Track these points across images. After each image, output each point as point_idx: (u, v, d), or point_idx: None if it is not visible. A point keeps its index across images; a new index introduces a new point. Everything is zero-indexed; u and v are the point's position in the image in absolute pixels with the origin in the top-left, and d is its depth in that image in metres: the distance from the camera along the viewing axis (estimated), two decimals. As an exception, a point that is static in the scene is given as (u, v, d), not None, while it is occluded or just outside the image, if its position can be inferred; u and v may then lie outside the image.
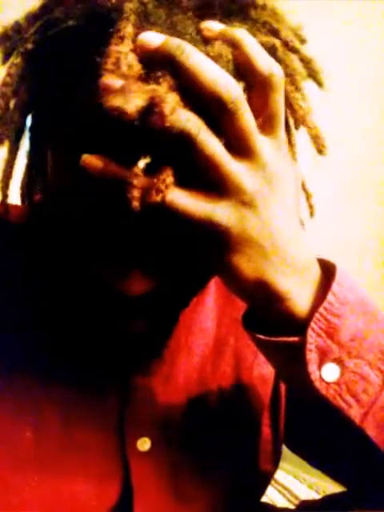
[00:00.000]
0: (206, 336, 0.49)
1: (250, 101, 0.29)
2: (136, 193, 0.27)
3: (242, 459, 0.48)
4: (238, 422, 0.48)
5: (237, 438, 0.48)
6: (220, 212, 0.29)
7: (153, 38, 0.27)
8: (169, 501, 0.44)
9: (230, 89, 0.27)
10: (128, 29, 0.27)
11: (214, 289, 0.51)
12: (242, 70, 0.29)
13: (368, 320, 0.35)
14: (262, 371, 0.50)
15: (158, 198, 0.27)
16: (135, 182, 0.27)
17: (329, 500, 0.47)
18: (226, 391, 0.48)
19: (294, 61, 0.34)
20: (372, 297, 0.37)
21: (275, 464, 0.52)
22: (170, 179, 0.28)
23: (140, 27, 0.27)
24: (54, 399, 0.41)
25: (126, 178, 0.27)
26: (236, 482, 0.47)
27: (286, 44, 0.33)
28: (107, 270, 0.34)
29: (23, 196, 0.40)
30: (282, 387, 0.51)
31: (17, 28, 0.32)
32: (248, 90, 0.30)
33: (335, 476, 0.48)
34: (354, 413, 0.34)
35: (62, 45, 0.30)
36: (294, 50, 0.33)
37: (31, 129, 0.36)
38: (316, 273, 0.34)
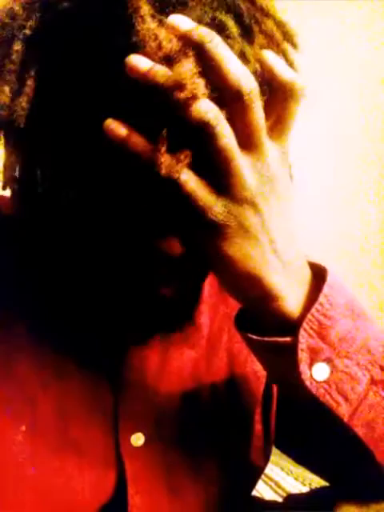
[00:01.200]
0: (200, 332, 0.49)
1: (265, 104, 0.30)
2: (164, 159, 0.28)
3: (234, 454, 0.49)
4: (231, 418, 0.49)
5: (229, 433, 0.49)
6: (220, 206, 0.30)
7: (183, 22, 0.28)
8: (163, 495, 0.44)
9: (249, 82, 0.28)
10: (145, 8, 0.28)
11: (207, 286, 0.51)
12: (267, 74, 0.31)
13: (356, 321, 0.36)
14: (255, 367, 0.51)
15: (175, 174, 0.28)
16: (160, 152, 0.28)
17: (315, 494, 0.49)
18: (219, 387, 0.49)
19: (271, 24, 0.35)
20: (372, 297, 0.38)
21: (266, 460, 0.53)
22: (187, 160, 0.29)
23: (153, 6, 0.28)
24: (49, 393, 0.41)
25: (150, 148, 0.28)
26: (228, 477, 0.48)
27: (261, 9, 0.34)
28: (146, 232, 0.34)
29: (19, 189, 0.38)
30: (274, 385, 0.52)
31: (12, 15, 0.32)
32: (267, 94, 0.31)
33: (320, 473, 0.49)
34: (343, 411, 0.35)
35: (63, 28, 0.31)
36: (269, 15, 0.34)
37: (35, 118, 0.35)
38: (307, 275, 0.36)
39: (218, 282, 0.52)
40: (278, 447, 0.55)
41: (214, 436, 0.48)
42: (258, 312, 0.35)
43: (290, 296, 0.34)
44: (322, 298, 0.35)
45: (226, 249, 0.32)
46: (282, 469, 1.35)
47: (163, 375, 0.46)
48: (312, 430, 0.44)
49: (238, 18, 0.32)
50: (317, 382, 0.34)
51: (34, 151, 0.35)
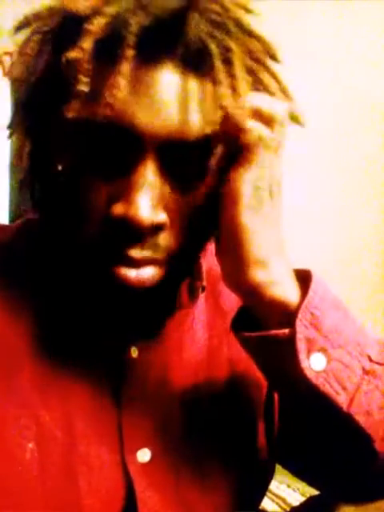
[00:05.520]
0: (199, 347, 0.50)
1: None
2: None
3: (241, 467, 0.49)
4: (235, 429, 0.50)
5: (234, 445, 0.49)
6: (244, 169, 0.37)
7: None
8: (173, 509, 0.45)
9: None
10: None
11: (203, 303, 0.52)
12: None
13: (342, 316, 0.40)
14: (256, 377, 0.51)
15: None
16: None
17: (312, 502, 0.49)
18: (221, 399, 0.49)
19: (253, 42, 0.39)
20: (372, 297, 0.41)
21: (271, 473, 0.54)
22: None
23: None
24: (53, 410, 0.41)
25: None
26: (236, 490, 0.48)
27: (241, 27, 0.38)
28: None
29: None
30: (275, 396, 0.52)
31: (37, 14, 0.39)
32: None
33: (318, 480, 0.49)
34: (342, 399, 0.37)
35: (70, 34, 0.36)
36: (251, 34, 0.39)
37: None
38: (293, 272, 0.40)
39: (214, 296, 0.53)
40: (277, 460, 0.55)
41: (219, 448, 0.48)
42: (260, 302, 0.38)
43: (290, 284, 0.38)
44: (311, 293, 0.38)
45: (243, 217, 0.37)
46: (289, 485, 1.34)
47: (165, 390, 0.47)
48: (309, 432, 0.45)
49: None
50: (315, 371, 0.36)
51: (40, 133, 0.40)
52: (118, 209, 0.36)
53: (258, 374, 0.50)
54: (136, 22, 0.33)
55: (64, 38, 0.36)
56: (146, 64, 0.34)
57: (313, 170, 1.53)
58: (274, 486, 1.29)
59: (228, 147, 0.37)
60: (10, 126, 0.41)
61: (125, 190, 0.36)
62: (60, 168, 0.38)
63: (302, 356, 0.36)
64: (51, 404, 0.41)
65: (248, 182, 0.37)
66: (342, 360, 0.37)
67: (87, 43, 0.33)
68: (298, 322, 0.36)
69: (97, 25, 0.33)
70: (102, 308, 0.43)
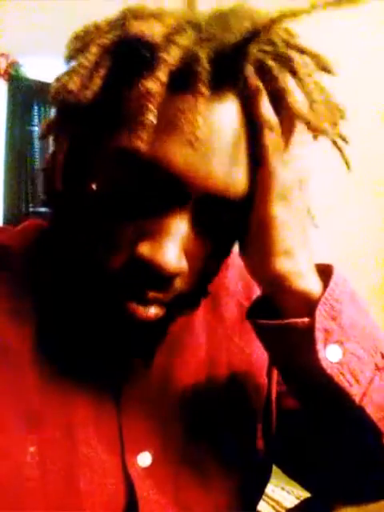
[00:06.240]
0: (199, 350, 0.50)
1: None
2: None
3: (239, 469, 0.49)
4: (234, 432, 0.50)
5: (233, 447, 0.49)
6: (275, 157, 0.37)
7: None
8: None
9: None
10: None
11: (204, 307, 0.52)
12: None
13: (360, 311, 0.40)
14: (255, 381, 0.52)
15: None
16: None
17: (306, 504, 0.49)
18: (221, 403, 0.49)
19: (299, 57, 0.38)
20: (373, 297, 0.42)
21: (267, 476, 0.54)
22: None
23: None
24: (55, 413, 0.41)
25: None
26: (234, 492, 0.48)
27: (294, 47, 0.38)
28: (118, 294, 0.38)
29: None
30: (273, 399, 0.52)
31: (96, 26, 0.38)
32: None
33: (317, 482, 0.49)
34: (355, 391, 0.37)
35: (130, 50, 0.35)
36: (305, 51, 0.39)
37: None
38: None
39: (215, 301, 0.53)
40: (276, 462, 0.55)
41: (219, 450, 0.48)
42: (284, 291, 0.38)
43: (312, 276, 0.39)
44: (332, 284, 0.38)
45: (273, 206, 0.37)
46: (283, 488, 1.34)
47: (165, 393, 0.47)
48: (315, 429, 0.45)
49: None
50: (331, 363, 0.37)
51: (82, 141, 0.39)
52: (146, 250, 0.35)
53: (256, 379, 0.51)
54: (205, 55, 0.33)
55: (125, 56, 0.35)
56: (210, 100, 0.34)
57: (313, 170, 1.52)
58: (269, 489, 1.29)
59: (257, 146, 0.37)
60: (49, 127, 0.40)
61: (155, 231, 0.35)
62: (94, 187, 0.37)
63: (319, 346, 0.36)
64: (53, 408, 0.41)
65: (278, 175, 0.37)
66: (356, 354, 0.38)
67: (163, 74, 0.32)
68: (317, 313, 0.37)
69: (173, 56, 0.32)
70: (104, 325, 0.43)
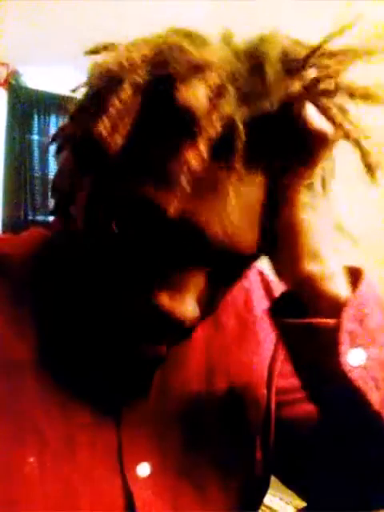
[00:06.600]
0: (198, 361, 0.50)
1: None
2: None
3: (237, 480, 0.49)
4: (233, 443, 0.49)
5: (232, 458, 0.49)
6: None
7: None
8: None
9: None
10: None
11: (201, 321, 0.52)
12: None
13: None
14: (255, 393, 0.51)
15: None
16: None
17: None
18: (220, 415, 0.49)
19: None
20: None
21: (265, 487, 0.53)
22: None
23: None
24: (55, 424, 0.41)
25: None
26: (233, 503, 0.48)
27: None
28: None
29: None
30: (273, 410, 0.52)
31: (131, 62, 0.35)
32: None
33: (320, 493, 0.49)
34: (375, 397, 0.37)
35: (165, 92, 0.33)
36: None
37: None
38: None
39: (214, 314, 0.53)
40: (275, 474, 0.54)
41: (218, 461, 0.48)
42: (311, 293, 0.38)
43: (340, 279, 0.38)
44: (362, 287, 0.38)
45: (303, 213, 0.37)
46: (281, 498, 1.33)
47: (165, 404, 0.47)
48: (327, 436, 0.44)
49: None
50: (353, 366, 0.36)
51: (106, 185, 0.37)
52: (165, 300, 0.36)
53: (256, 389, 0.51)
54: (241, 121, 0.33)
55: (158, 99, 0.34)
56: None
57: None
58: (267, 499, 1.28)
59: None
60: (75, 151, 0.38)
61: (175, 283, 0.36)
62: (115, 228, 0.36)
63: (343, 348, 0.36)
64: (52, 418, 0.41)
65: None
66: (379, 358, 0.37)
67: (204, 147, 0.31)
68: (344, 315, 0.36)
69: (214, 126, 0.32)
70: (109, 355, 0.44)
